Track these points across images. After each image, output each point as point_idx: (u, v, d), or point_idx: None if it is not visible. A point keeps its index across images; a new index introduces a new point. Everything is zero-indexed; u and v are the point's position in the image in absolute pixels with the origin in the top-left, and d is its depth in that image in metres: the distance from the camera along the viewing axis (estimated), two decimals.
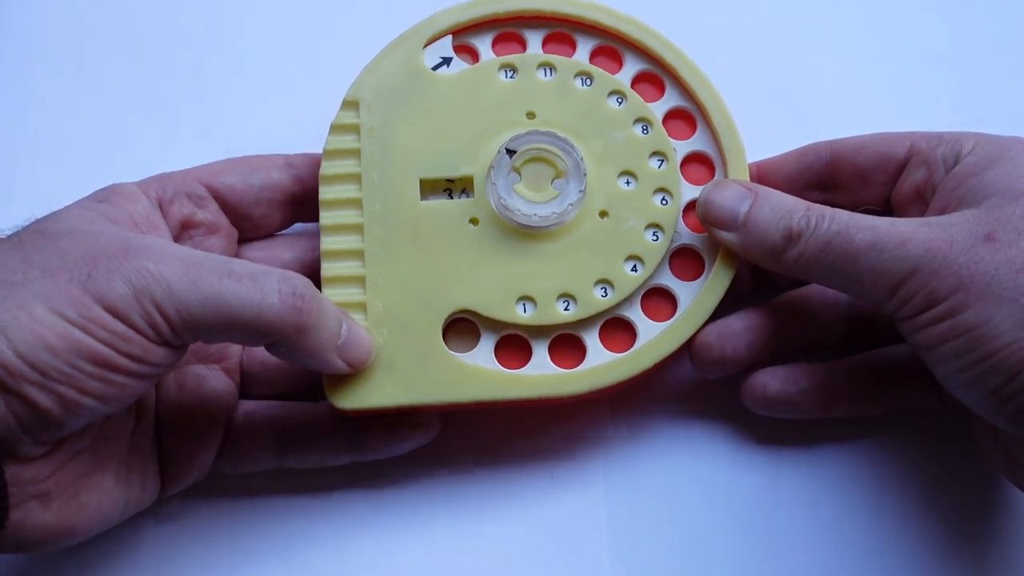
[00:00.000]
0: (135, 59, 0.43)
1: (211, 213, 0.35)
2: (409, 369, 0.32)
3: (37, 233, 0.29)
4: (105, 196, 0.33)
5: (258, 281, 0.29)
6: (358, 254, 0.33)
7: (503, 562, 0.35)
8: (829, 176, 0.34)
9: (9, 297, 0.26)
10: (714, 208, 0.34)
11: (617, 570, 0.35)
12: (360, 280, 0.33)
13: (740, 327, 0.35)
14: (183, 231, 0.34)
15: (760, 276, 0.37)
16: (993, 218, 0.30)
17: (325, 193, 0.34)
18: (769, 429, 0.37)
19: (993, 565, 0.36)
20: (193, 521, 0.35)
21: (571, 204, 0.34)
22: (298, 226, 0.38)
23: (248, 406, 0.34)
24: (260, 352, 0.34)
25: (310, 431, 0.34)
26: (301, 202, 0.36)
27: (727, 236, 0.34)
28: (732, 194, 0.34)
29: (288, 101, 0.42)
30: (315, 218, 0.35)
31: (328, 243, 0.33)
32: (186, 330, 0.28)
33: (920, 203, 0.35)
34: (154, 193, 0.34)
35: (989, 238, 0.30)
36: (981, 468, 0.37)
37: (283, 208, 0.36)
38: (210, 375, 0.34)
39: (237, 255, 0.36)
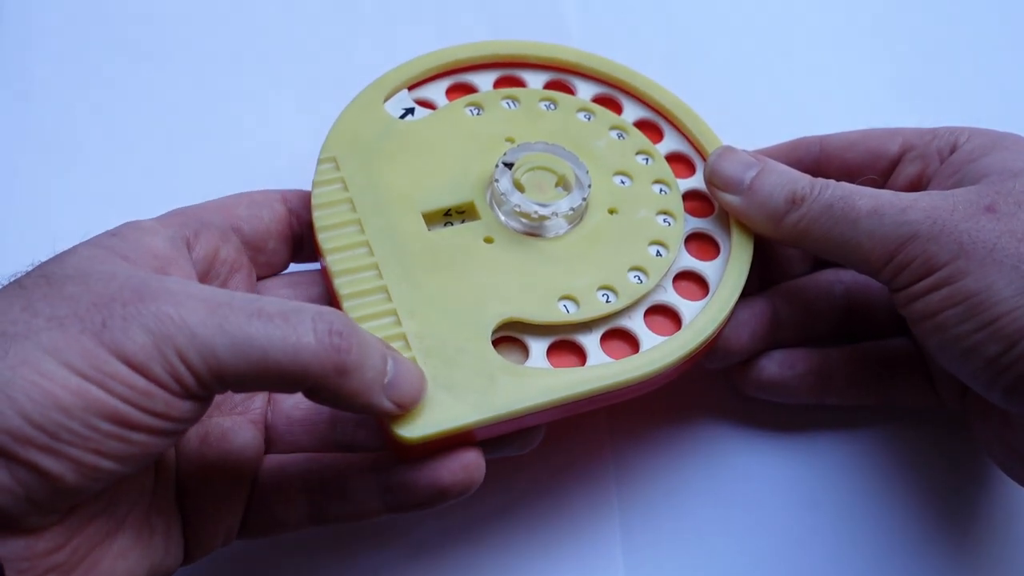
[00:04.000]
0: (133, 74, 0.44)
1: (234, 248, 0.33)
2: (473, 387, 0.31)
3: (42, 278, 0.26)
4: (118, 231, 0.29)
5: (291, 320, 0.26)
6: (380, 290, 0.32)
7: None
8: (818, 171, 0.35)
9: (11, 351, 0.23)
10: (722, 170, 0.34)
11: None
12: (391, 313, 0.32)
13: (744, 316, 0.35)
14: (209, 269, 0.32)
15: (765, 276, 0.37)
16: (994, 191, 0.31)
17: (326, 241, 0.33)
18: (777, 423, 0.37)
19: (992, 559, 0.36)
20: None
21: (584, 197, 0.34)
22: (291, 266, 0.37)
23: (274, 460, 0.32)
24: (285, 405, 0.32)
25: (345, 483, 0.31)
26: (300, 238, 0.35)
27: (730, 199, 0.34)
28: (740, 160, 0.34)
29: (285, 125, 0.43)
30: (308, 258, 0.35)
31: (344, 285, 0.32)
32: (214, 380, 0.25)
33: None
34: (176, 227, 0.31)
35: (990, 209, 0.30)
36: (983, 462, 0.37)
37: (288, 243, 0.35)
38: (234, 427, 0.31)
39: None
